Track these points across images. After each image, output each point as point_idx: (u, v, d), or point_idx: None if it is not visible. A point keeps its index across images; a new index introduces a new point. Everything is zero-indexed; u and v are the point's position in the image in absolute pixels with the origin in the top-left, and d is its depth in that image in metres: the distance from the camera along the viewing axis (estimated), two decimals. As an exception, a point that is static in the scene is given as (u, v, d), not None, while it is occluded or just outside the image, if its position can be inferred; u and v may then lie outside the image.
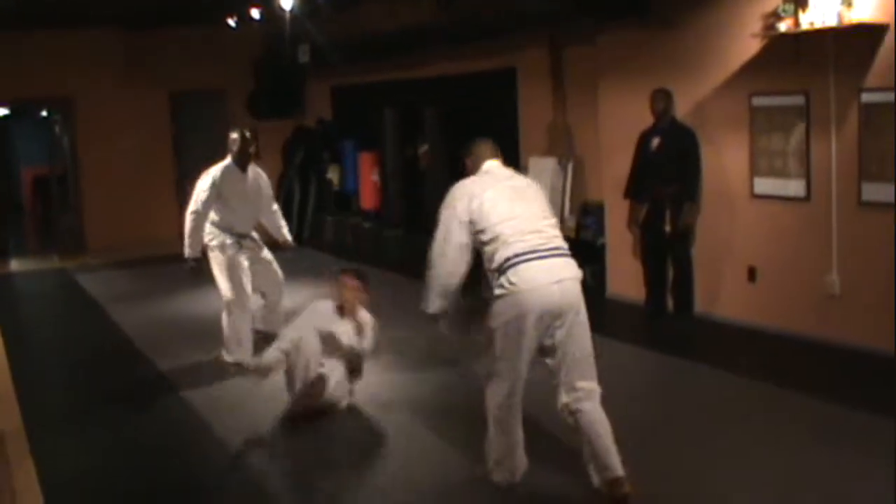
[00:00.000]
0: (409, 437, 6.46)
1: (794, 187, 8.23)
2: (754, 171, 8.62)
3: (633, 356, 8.25)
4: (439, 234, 5.30)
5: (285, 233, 8.98)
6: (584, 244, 10.70)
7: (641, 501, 5.14)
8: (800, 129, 8.10)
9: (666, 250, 9.16)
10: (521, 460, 5.39)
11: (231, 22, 14.42)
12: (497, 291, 5.11)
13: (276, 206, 9.04)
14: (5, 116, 20.53)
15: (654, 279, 9.32)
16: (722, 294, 9.11)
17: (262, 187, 8.72)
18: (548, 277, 5.04)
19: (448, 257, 5.24)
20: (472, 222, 5.20)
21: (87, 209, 16.37)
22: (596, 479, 5.14)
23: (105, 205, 16.23)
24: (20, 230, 20.27)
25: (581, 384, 5.15)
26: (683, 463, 5.73)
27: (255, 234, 8.68)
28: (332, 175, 15.88)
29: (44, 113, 19.47)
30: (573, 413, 5.15)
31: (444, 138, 12.80)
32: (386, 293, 9.78)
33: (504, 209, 5.18)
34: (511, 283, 5.03)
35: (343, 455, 6.37)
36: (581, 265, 5.29)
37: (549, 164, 11.20)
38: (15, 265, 15.56)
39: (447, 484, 5.61)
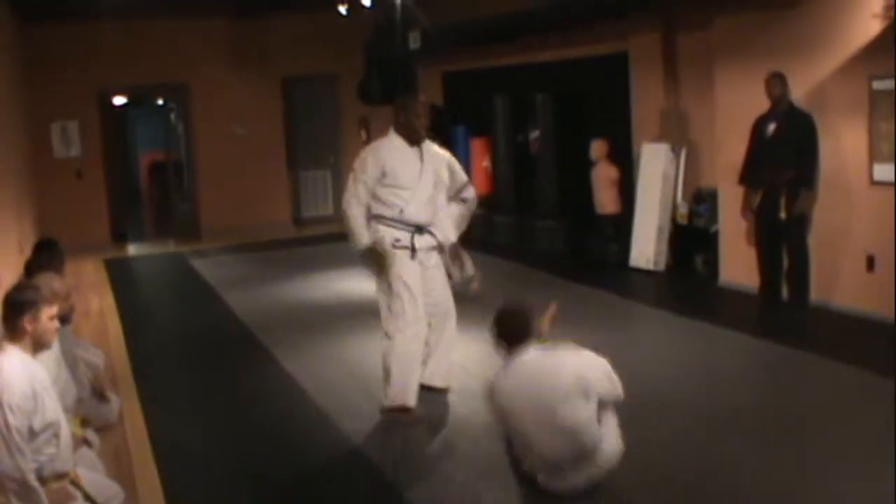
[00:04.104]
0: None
1: (916, 174, 7.98)
2: (874, 157, 8.38)
3: (747, 345, 8.10)
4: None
5: (446, 227, 7.05)
6: (697, 231, 10.56)
7: (745, 490, 5.20)
8: (923, 114, 7.87)
9: (781, 237, 8.97)
10: None
11: (342, 9, 14.53)
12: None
13: (470, 192, 7.36)
14: (124, 104, 20.99)
15: (768, 267, 9.13)
16: (839, 283, 8.88)
17: (442, 169, 7.10)
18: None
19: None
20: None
21: (201, 194, 16.69)
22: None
23: (219, 190, 16.51)
24: (138, 215, 20.75)
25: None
26: (792, 455, 5.62)
27: (435, 232, 6.91)
28: (444, 161, 15.86)
29: (160, 101, 19.86)
30: None
31: (555, 124, 12.73)
32: (499, 281, 9.83)
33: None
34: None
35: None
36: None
37: (661, 150, 11.06)
38: (132, 249, 15.95)
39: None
